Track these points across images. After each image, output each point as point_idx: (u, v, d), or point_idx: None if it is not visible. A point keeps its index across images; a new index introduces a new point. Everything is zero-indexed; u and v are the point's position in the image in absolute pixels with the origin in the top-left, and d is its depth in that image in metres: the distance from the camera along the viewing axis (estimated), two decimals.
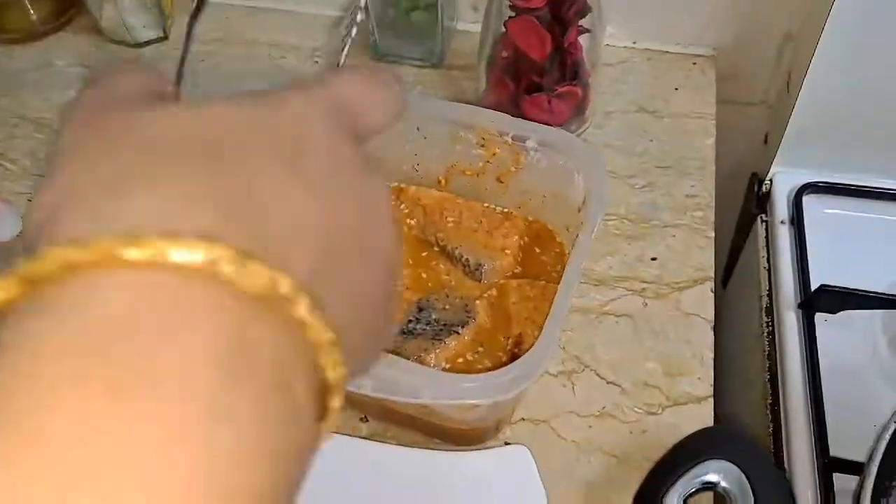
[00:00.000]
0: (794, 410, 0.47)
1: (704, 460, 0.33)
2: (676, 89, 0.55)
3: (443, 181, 0.44)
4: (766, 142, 0.62)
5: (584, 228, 0.35)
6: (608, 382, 0.41)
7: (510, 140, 0.40)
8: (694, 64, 0.57)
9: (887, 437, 0.32)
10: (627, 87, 0.55)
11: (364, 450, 0.37)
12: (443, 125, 0.41)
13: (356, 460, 0.36)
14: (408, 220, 0.44)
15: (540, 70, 0.47)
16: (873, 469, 0.31)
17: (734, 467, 0.32)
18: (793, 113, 0.56)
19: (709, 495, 0.35)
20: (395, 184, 0.45)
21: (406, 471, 0.36)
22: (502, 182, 0.42)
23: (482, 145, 0.41)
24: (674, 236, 0.47)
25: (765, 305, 0.55)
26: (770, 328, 0.53)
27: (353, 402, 0.38)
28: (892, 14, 0.49)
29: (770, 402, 0.51)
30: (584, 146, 0.39)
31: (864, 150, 0.57)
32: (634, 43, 0.58)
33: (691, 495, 0.32)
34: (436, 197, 0.44)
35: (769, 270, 0.56)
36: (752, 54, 0.58)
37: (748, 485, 0.32)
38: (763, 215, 0.60)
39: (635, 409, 0.39)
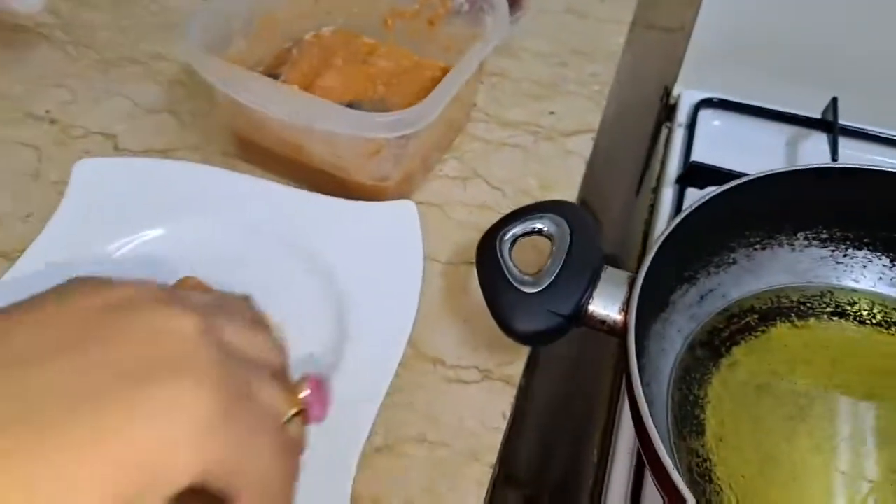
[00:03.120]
0: None
1: (538, 214, 0.43)
2: (603, 1, 0.66)
3: (389, 22, 0.54)
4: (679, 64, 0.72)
5: (483, 39, 0.46)
6: (493, 187, 0.51)
7: None
8: None
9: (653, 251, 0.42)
10: None
11: (257, 187, 0.45)
12: None
13: (248, 195, 0.45)
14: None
15: None
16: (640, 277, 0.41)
17: (560, 218, 0.43)
18: (691, 38, 0.66)
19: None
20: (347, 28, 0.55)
21: (295, 210, 0.44)
22: (433, 24, 0.53)
23: None
24: (573, 100, 0.57)
25: (653, 186, 0.65)
26: (653, 202, 0.64)
27: (266, 157, 0.48)
28: None
29: (640, 252, 0.62)
30: None
31: (753, 73, 0.67)
32: None
33: (523, 235, 0.42)
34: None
35: (663, 161, 0.66)
36: None
37: (568, 230, 0.42)
38: (668, 123, 0.71)
39: (510, 206, 0.49)
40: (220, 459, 0.19)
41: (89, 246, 0.42)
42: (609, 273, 0.42)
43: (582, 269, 0.41)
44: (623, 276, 0.42)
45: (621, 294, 0.41)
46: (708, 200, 0.44)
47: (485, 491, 0.38)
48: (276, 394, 0.23)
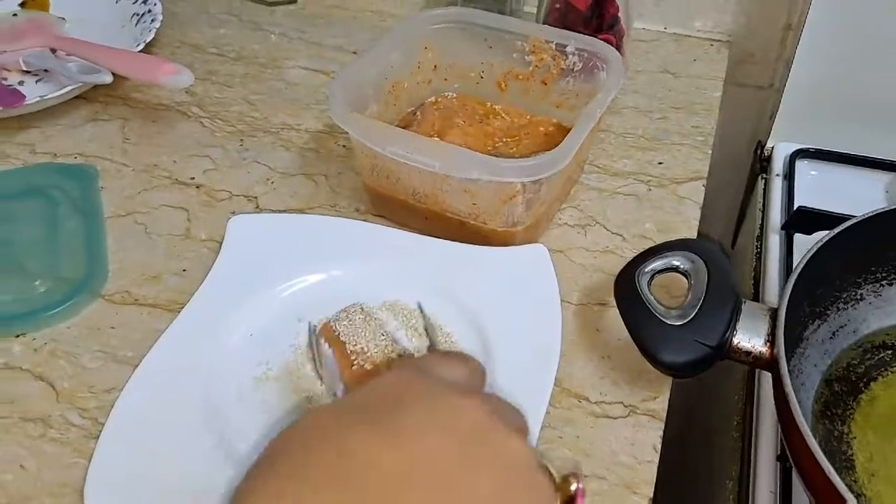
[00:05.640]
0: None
1: (673, 251, 0.45)
2: (695, 60, 0.69)
3: (502, 84, 0.58)
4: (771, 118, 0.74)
5: (605, 90, 0.49)
6: (612, 233, 0.53)
7: (554, 47, 0.54)
8: (711, 45, 0.71)
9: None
10: (656, 56, 0.69)
11: (398, 238, 0.49)
12: (504, 36, 0.56)
13: (391, 244, 0.49)
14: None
15: (584, 20, 0.62)
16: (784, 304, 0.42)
17: (694, 255, 0.44)
18: (784, 94, 0.69)
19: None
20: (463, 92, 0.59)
21: (435, 257, 0.47)
22: (546, 84, 0.56)
23: (533, 52, 0.55)
24: (679, 150, 0.60)
25: (757, 234, 0.66)
26: (759, 251, 0.64)
27: (400, 211, 0.51)
28: (862, 10, 0.62)
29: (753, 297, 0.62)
30: (608, 48, 0.53)
31: (846, 123, 0.69)
32: (665, 28, 0.72)
33: (660, 272, 0.44)
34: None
35: (763, 210, 0.67)
36: (762, 42, 0.71)
37: (704, 266, 0.44)
38: (764, 175, 0.72)
39: (631, 249, 0.51)
40: None
41: (254, 289, 0.45)
42: (749, 306, 0.43)
43: (723, 302, 0.42)
44: (762, 308, 0.43)
45: (764, 326, 0.42)
46: (834, 237, 0.45)
47: None
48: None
